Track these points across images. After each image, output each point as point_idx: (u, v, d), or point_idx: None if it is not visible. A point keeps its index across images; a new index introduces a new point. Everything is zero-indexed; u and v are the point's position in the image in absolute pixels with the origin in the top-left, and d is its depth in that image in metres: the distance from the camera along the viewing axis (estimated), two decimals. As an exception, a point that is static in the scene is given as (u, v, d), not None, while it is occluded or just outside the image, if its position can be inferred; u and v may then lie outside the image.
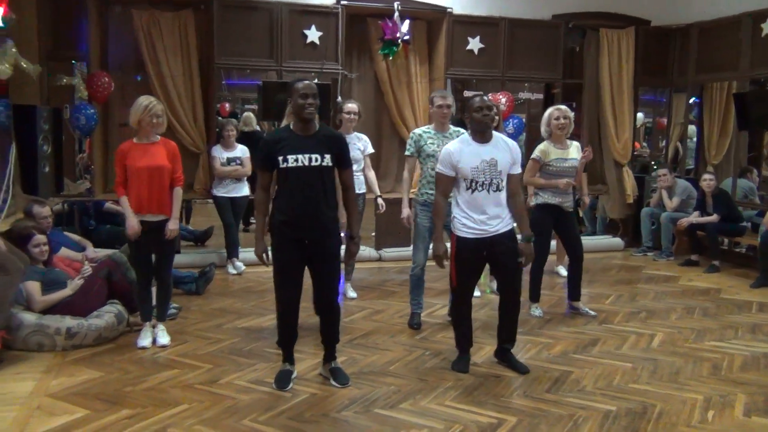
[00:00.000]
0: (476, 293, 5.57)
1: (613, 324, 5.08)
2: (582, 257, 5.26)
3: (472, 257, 3.96)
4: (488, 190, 3.88)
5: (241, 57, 7.07)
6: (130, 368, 4.04)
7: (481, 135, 3.92)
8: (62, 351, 4.27)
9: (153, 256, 4.44)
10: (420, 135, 4.88)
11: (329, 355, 3.91)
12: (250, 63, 7.21)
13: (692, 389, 3.81)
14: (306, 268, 3.74)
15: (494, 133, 4.00)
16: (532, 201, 5.27)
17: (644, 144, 10.32)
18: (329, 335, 3.88)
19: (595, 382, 3.90)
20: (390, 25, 7.16)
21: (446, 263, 4.04)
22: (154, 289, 4.55)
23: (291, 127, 3.67)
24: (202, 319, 5.05)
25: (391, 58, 7.35)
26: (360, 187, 5.46)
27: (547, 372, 4.05)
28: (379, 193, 5.61)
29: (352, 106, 5.45)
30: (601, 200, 8.34)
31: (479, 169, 3.86)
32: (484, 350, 4.36)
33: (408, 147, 4.93)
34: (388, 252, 7.34)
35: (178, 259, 6.43)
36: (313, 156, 3.58)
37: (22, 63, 5.56)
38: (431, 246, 4.69)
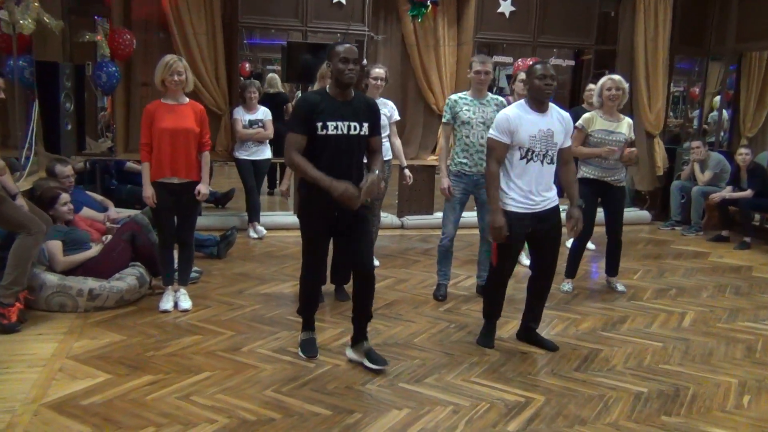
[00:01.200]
0: (525, 261, 5.47)
1: (642, 301, 4.96)
2: (617, 235, 5.07)
3: (518, 233, 3.75)
4: (542, 162, 3.71)
5: (265, 16, 6.90)
6: (152, 332, 4.01)
7: (540, 104, 3.71)
8: (84, 312, 4.25)
9: (175, 219, 4.37)
10: (455, 101, 4.70)
11: (361, 334, 3.64)
12: (274, 22, 7.04)
13: (726, 372, 3.71)
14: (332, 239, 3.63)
15: (550, 103, 3.79)
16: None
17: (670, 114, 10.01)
18: (363, 309, 3.60)
19: (626, 362, 3.80)
20: (419, -14, 6.93)
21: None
22: (176, 252, 4.50)
23: (328, 90, 3.47)
24: (224, 284, 5.00)
25: (420, 20, 7.13)
26: (386, 154, 5.32)
27: (576, 349, 3.96)
28: (405, 164, 5.46)
29: (379, 71, 5.26)
30: (629, 171, 8.11)
31: (536, 139, 3.68)
32: (510, 325, 4.26)
33: (444, 114, 4.77)
34: (411, 219, 7.24)
35: (200, 221, 6.41)
36: (352, 124, 3.41)
37: (45, 18, 5.44)
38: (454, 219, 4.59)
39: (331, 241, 3.65)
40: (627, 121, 4.97)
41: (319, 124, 3.35)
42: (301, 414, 3.07)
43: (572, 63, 8.18)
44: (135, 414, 3.00)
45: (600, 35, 7.72)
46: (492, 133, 3.75)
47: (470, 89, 4.75)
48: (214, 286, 4.94)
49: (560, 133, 3.77)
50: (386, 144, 5.30)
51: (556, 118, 3.78)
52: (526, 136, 3.67)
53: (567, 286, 5.12)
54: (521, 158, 3.70)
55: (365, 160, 3.63)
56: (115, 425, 2.90)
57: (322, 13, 6.93)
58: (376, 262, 5.64)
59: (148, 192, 4.17)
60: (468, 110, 4.62)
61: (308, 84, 6.98)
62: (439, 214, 6.17)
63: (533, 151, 3.69)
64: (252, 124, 6.63)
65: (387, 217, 7.24)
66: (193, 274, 5.02)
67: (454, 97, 4.76)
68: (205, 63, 6.78)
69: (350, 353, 3.69)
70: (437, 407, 3.19)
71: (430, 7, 7.03)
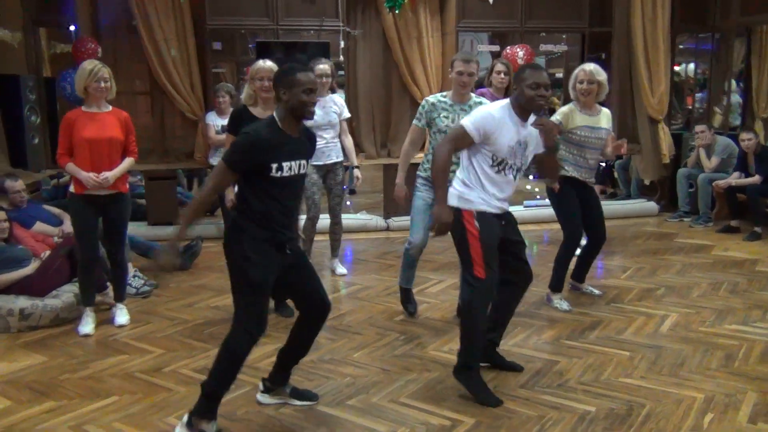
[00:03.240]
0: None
1: (623, 303, 4.53)
2: (603, 239, 4.55)
3: (497, 229, 3.26)
4: (514, 176, 3.28)
5: (234, 16, 6.67)
6: (77, 353, 3.80)
7: (525, 113, 3.23)
8: (17, 333, 4.07)
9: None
10: (433, 105, 4.12)
11: (288, 375, 3.15)
12: (244, 23, 6.80)
13: (694, 385, 3.27)
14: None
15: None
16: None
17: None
18: (306, 349, 3.10)
19: (582, 375, 3.40)
20: (395, -26, 6.59)
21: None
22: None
23: (279, 124, 2.85)
24: (176, 297, 4.77)
25: (397, 11, 6.78)
26: (338, 155, 5.00)
27: (530, 361, 3.58)
28: (356, 164, 5.12)
29: (323, 67, 4.89)
30: (633, 160, 7.62)
31: (513, 150, 3.21)
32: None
33: (418, 116, 4.20)
34: (397, 221, 6.90)
35: (166, 230, 6.22)
36: (302, 162, 2.94)
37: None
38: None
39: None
40: (605, 113, 4.41)
41: (274, 165, 2.80)
42: (195, 445, 2.79)
43: (565, 49, 7.71)
44: (15, 449, 2.78)
45: (594, 17, 7.24)
46: (467, 123, 3.19)
47: (452, 91, 4.13)
48: (164, 300, 4.72)
49: (533, 143, 3.31)
50: (337, 144, 4.99)
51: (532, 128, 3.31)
52: (505, 146, 3.18)
53: (563, 304, 4.45)
54: (492, 166, 3.22)
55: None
56: (-12, 462, 2.69)
57: (293, 10, 6.67)
58: (343, 270, 5.36)
59: (85, 175, 3.89)
60: (446, 117, 4.05)
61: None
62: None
63: (506, 163, 3.23)
64: (225, 129, 6.39)
65: (372, 219, 6.94)
66: (145, 288, 4.84)
67: (432, 99, 4.16)
68: (177, 68, 6.61)
69: (266, 399, 3.15)
70: (349, 435, 2.88)
71: (407, -2, 6.68)
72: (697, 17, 7.34)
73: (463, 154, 3.31)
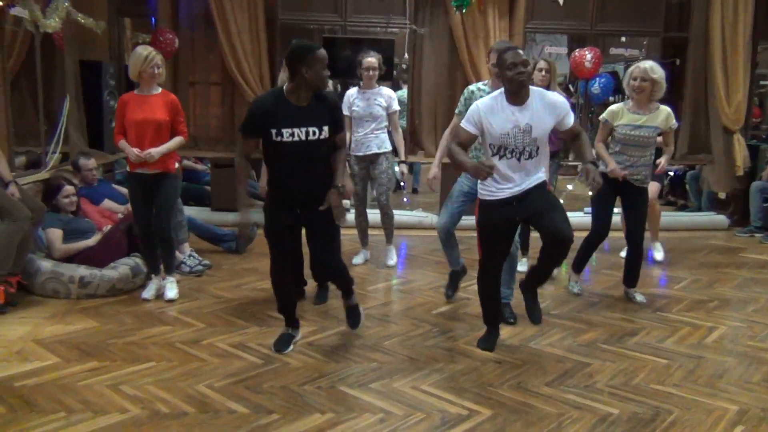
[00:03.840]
0: (522, 268, 5.04)
1: (670, 312, 4.37)
2: (637, 244, 4.44)
3: (498, 219, 3.43)
4: (518, 158, 3.34)
5: (305, 12, 6.86)
6: (127, 320, 4.02)
7: (515, 96, 3.32)
8: (76, 299, 4.35)
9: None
10: (473, 92, 4.21)
11: (346, 292, 3.76)
12: (313, 18, 6.98)
13: (729, 397, 3.14)
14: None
15: (531, 89, 3.38)
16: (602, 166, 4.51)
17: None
18: (340, 287, 3.77)
19: (611, 379, 3.32)
20: (464, -27, 6.60)
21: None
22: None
23: (285, 93, 3.22)
24: (226, 278, 4.96)
25: (464, 10, 6.79)
26: (379, 146, 5.09)
27: (560, 361, 3.52)
28: (402, 158, 5.20)
29: (371, 60, 5.02)
30: (704, 171, 7.32)
31: (510, 136, 3.31)
32: (502, 330, 3.89)
33: (459, 105, 4.31)
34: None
35: (222, 217, 6.45)
36: (311, 129, 3.22)
37: (79, 18, 5.69)
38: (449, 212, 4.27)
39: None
40: (663, 110, 4.33)
41: (273, 131, 3.16)
42: (217, 411, 2.92)
43: (636, 53, 7.49)
44: (56, 399, 2.97)
45: (670, 21, 7.00)
46: (463, 121, 3.45)
47: (490, 80, 4.22)
48: (215, 279, 4.91)
49: (543, 126, 3.35)
50: (382, 135, 5.08)
51: (540, 107, 3.35)
52: (498, 133, 3.32)
53: (575, 287, 4.66)
54: (493, 155, 3.37)
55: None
56: (30, 407, 2.89)
57: (361, 7, 6.79)
58: (392, 262, 5.41)
59: (132, 151, 4.16)
60: None
61: (350, 79, 6.86)
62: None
63: (506, 149, 3.34)
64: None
65: (427, 217, 6.96)
66: (198, 267, 5.05)
67: (472, 87, 4.27)
68: (248, 61, 6.85)
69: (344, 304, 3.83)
70: (365, 414, 2.92)
71: (475, -3, 6.67)
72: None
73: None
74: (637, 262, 4.50)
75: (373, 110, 4.99)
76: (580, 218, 7.00)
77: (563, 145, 5.37)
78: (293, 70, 3.14)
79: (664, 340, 3.87)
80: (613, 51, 7.31)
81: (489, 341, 3.69)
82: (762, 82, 10.17)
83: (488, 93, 4.12)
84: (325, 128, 3.26)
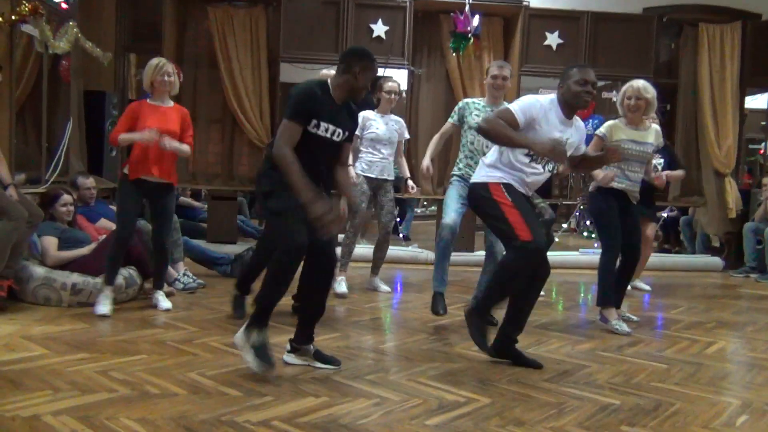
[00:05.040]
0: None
1: (668, 330, 4.33)
2: (636, 257, 4.42)
3: (526, 201, 3.35)
4: (544, 167, 3.37)
5: (306, 51, 7.07)
6: (118, 324, 3.95)
7: (571, 111, 3.35)
8: (68, 306, 4.28)
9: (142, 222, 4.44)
10: (467, 104, 4.46)
11: (310, 333, 3.25)
12: (314, 57, 7.18)
13: (732, 394, 3.08)
14: None
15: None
16: (591, 185, 4.59)
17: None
18: (318, 303, 3.23)
19: (611, 378, 3.26)
20: (461, 18, 6.85)
21: None
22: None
23: (330, 90, 3.14)
24: (220, 294, 4.90)
25: (461, 53, 7.01)
26: (390, 173, 5.16)
27: (559, 364, 3.46)
28: (408, 175, 5.27)
29: (393, 84, 5.17)
30: (697, 214, 7.39)
31: None
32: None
33: (452, 114, 4.53)
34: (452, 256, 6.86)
35: (228, 247, 6.44)
36: (338, 130, 3.17)
37: (87, 45, 5.85)
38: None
39: None
40: (654, 128, 4.45)
41: (314, 121, 3.07)
42: (209, 393, 2.83)
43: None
44: (43, 380, 2.89)
45: (660, 67, 7.24)
46: (514, 106, 3.29)
47: (486, 96, 4.49)
48: (208, 296, 4.86)
49: (572, 148, 3.44)
50: (391, 162, 5.16)
51: (575, 128, 3.44)
52: (545, 137, 3.24)
53: (622, 325, 4.20)
54: (527, 154, 3.32)
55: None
56: (15, 386, 2.80)
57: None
58: (386, 288, 5.37)
59: (138, 135, 4.09)
60: (478, 116, 4.31)
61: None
62: (480, 252, 5.82)
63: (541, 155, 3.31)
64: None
65: (423, 253, 6.96)
66: (192, 285, 5.00)
67: (467, 100, 4.54)
68: (249, 97, 7.02)
69: (291, 359, 3.26)
70: (360, 398, 2.84)
71: (472, 40, 6.90)
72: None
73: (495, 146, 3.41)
74: (628, 279, 4.48)
75: (392, 135, 5.11)
76: (575, 256, 7.06)
77: None
78: (349, 66, 3.09)
79: (663, 350, 3.82)
80: (605, 95, 7.51)
81: (482, 339, 3.43)
82: (751, 146, 10.45)
83: (481, 107, 4.34)
84: (346, 134, 3.24)
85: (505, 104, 4.15)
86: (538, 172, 3.37)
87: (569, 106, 3.31)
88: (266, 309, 3.07)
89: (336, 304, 4.68)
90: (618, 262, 4.34)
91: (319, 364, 3.21)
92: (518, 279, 3.28)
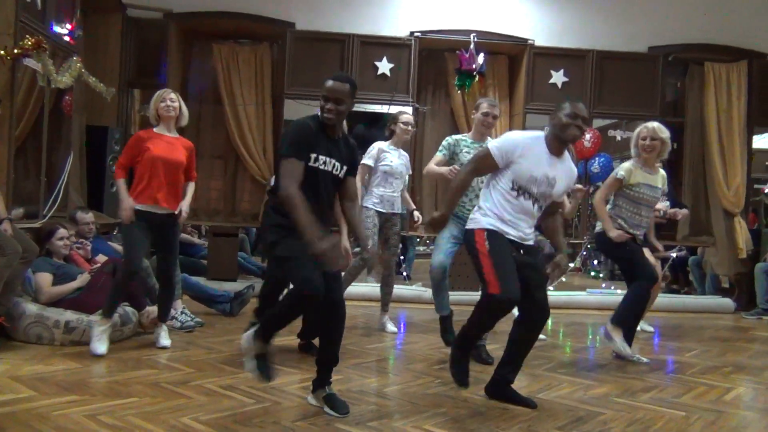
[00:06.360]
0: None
1: (683, 374, 4.16)
2: (652, 281, 4.39)
3: (508, 249, 3.21)
4: (533, 203, 3.25)
5: (311, 88, 7.02)
6: (110, 364, 3.80)
7: (560, 147, 3.23)
8: (60, 345, 4.13)
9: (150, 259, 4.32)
10: (456, 141, 4.45)
11: (324, 378, 3.15)
12: (319, 94, 7.11)
13: (756, 444, 2.92)
14: None
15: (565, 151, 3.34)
16: (599, 226, 4.49)
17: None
18: (328, 347, 3.14)
19: (627, 426, 3.09)
20: (466, 56, 6.84)
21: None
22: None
23: (321, 122, 3.10)
24: (219, 334, 4.76)
25: (467, 91, 6.98)
26: (398, 207, 5.08)
27: (571, 410, 3.29)
28: (414, 207, 5.18)
29: (410, 117, 5.14)
30: (707, 254, 7.26)
31: (537, 182, 3.19)
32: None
33: (441, 149, 4.46)
34: (453, 295, 6.71)
35: (229, 284, 6.30)
36: (337, 164, 3.10)
37: (90, 79, 5.81)
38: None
39: None
40: (662, 174, 4.47)
41: (313, 156, 3.01)
42: (201, 439, 2.69)
43: (631, 134, 7.62)
44: (28, 425, 2.74)
45: (665, 107, 7.18)
46: (492, 145, 3.25)
47: (472, 132, 4.50)
48: (206, 335, 4.71)
49: (562, 187, 3.33)
50: (398, 196, 5.07)
51: (567, 169, 3.33)
52: (527, 174, 3.17)
53: (625, 347, 4.30)
54: (512, 189, 3.22)
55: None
56: (-2, 431, 2.66)
57: (366, 83, 6.96)
58: (393, 328, 5.21)
59: (128, 204, 4.04)
60: (468, 153, 4.31)
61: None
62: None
63: (527, 191, 3.22)
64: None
65: (426, 291, 6.78)
66: (190, 323, 4.86)
67: (455, 137, 4.50)
68: (253, 133, 6.97)
69: (310, 399, 3.21)
70: (362, 447, 2.69)
71: (477, 78, 6.87)
72: (774, 109, 7.15)
73: (485, 183, 3.34)
74: (642, 309, 4.38)
75: (404, 170, 5.05)
76: (584, 296, 6.90)
77: None
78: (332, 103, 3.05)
79: (680, 396, 3.64)
80: (611, 133, 7.45)
81: (461, 373, 3.35)
82: (756, 186, 10.36)
83: (470, 143, 4.32)
84: (345, 168, 3.16)
85: (490, 140, 4.17)
86: (525, 208, 3.24)
87: (558, 140, 3.22)
88: (271, 331, 3.03)
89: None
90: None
91: (326, 409, 3.07)
92: (484, 325, 3.32)
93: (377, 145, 5.05)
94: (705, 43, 7.05)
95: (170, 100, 4.20)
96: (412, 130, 5.16)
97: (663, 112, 7.17)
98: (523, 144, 3.19)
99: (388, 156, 5.01)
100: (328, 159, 3.05)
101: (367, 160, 4.98)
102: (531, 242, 3.34)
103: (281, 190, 2.93)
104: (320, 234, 2.86)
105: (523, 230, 3.27)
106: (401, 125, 5.07)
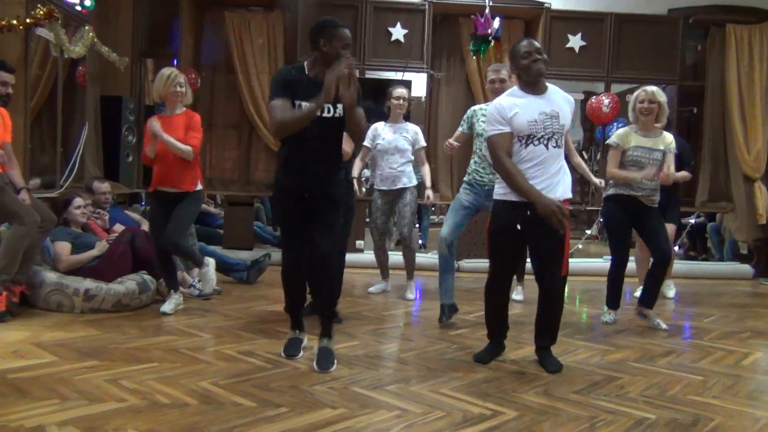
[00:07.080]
0: (517, 297, 5.02)
1: (701, 340, 4.14)
2: (668, 258, 4.30)
3: (506, 225, 3.25)
4: (546, 146, 3.21)
5: (324, 55, 6.96)
6: (131, 331, 3.84)
7: (534, 85, 3.25)
8: (80, 313, 4.19)
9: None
10: (474, 111, 4.48)
11: (323, 329, 3.32)
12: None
13: (775, 408, 2.90)
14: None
15: (548, 84, 3.34)
16: (605, 192, 4.52)
17: None
18: (319, 298, 3.43)
19: (644, 390, 3.09)
20: (482, 20, 6.71)
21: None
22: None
23: (306, 71, 3.16)
24: (236, 301, 4.80)
25: (482, 56, 6.86)
26: (404, 182, 5.03)
27: (588, 375, 3.30)
28: (429, 185, 5.13)
29: (402, 91, 5.06)
30: (726, 220, 7.17)
31: (539, 123, 3.18)
32: (523, 350, 3.69)
33: (461, 123, 4.54)
34: (468, 262, 6.73)
35: (245, 253, 6.33)
36: (327, 106, 3.11)
37: (103, 49, 5.80)
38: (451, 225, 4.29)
39: None
40: (666, 136, 4.32)
41: (297, 102, 3.07)
42: (221, 403, 2.71)
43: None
44: (50, 388, 2.79)
45: (686, 70, 7.04)
46: (487, 128, 3.28)
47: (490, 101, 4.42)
48: (224, 302, 4.74)
49: (567, 114, 3.31)
50: (408, 170, 5.03)
51: (561, 98, 3.33)
52: (525, 122, 3.18)
53: (608, 316, 4.47)
54: (521, 144, 3.22)
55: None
56: (22, 395, 2.70)
57: (379, 50, 6.89)
58: (411, 295, 5.22)
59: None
60: (484, 121, 4.22)
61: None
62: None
63: (534, 137, 3.20)
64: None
65: (443, 259, 6.79)
66: (208, 291, 4.89)
67: (474, 107, 4.53)
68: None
69: (315, 348, 3.35)
70: (380, 410, 2.70)
71: (492, 43, 6.75)
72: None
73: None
74: (659, 279, 4.34)
75: (399, 143, 4.98)
76: (601, 264, 6.85)
77: None
78: (313, 42, 3.11)
79: (698, 361, 3.63)
80: (629, 99, 7.29)
81: (486, 353, 3.48)
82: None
83: (487, 111, 4.20)
84: (339, 107, 3.14)
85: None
86: (539, 153, 3.21)
87: (529, 83, 3.25)
88: (288, 312, 3.54)
89: (353, 312, 4.54)
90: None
91: (314, 363, 3.23)
92: (488, 299, 3.51)
93: (374, 125, 5.06)
94: (726, 5, 6.88)
95: (179, 85, 4.19)
96: (405, 103, 5.08)
97: (683, 76, 7.06)
98: (506, 103, 3.23)
99: (380, 134, 5.03)
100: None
101: (366, 141, 5.02)
102: (561, 196, 3.24)
103: (270, 127, 3.25)
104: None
105: (550, 177, 3.21)
106: (393, 101, 5.03)
